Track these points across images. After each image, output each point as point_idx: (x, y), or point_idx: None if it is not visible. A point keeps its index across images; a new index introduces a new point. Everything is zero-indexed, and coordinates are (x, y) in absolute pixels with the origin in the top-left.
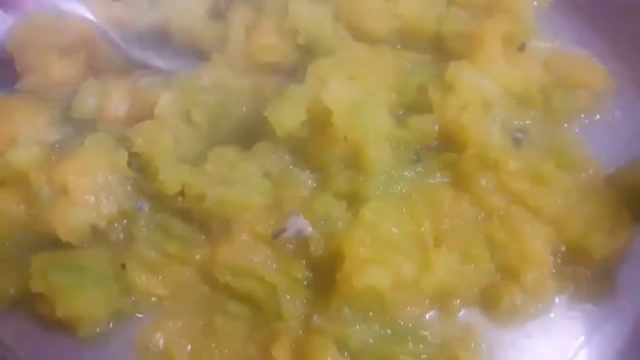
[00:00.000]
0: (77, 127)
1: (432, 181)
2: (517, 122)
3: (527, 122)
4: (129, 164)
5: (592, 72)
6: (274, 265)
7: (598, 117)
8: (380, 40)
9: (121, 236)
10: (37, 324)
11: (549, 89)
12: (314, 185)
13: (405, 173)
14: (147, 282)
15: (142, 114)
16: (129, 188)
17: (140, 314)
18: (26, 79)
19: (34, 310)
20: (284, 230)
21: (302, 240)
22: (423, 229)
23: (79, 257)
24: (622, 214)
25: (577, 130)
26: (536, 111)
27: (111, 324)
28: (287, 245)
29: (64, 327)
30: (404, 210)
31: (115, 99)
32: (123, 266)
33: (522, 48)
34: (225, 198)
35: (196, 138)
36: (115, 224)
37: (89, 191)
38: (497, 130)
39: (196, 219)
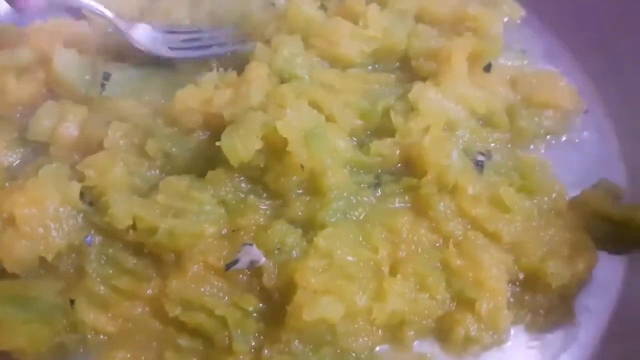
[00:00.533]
0: (34, 149)
1: (391, 206)
2: (480, 145)
3: (491, 144)
4: (81, 195)
5: (561, 91)
6: (226, 298)
7: (565, 137)
8: (352, 65)
9: (71, 269)
10: None
11: (515, 109)
12: (270, 212)
13: (364, 198)
14: (96, 319)
15: (92, 142)
16: (79, 221)
17: (86, 349)
18: None
19: None
20: (236, 261)
21: (255, 271)
22: (379, 256)
23: (25, 288)
24: (584, 241)
25: (543, 151)
26: (501, 132)
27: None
28: (240, 276)
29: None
30: (361, 237)
31: (68, 124)
32: (72, 302)
33: (487, 69)
34: (176, 230)
35: (149, 168)
36: (65, 257)
37: (38, 223)
38: (458, 154)
39: (148, 252)
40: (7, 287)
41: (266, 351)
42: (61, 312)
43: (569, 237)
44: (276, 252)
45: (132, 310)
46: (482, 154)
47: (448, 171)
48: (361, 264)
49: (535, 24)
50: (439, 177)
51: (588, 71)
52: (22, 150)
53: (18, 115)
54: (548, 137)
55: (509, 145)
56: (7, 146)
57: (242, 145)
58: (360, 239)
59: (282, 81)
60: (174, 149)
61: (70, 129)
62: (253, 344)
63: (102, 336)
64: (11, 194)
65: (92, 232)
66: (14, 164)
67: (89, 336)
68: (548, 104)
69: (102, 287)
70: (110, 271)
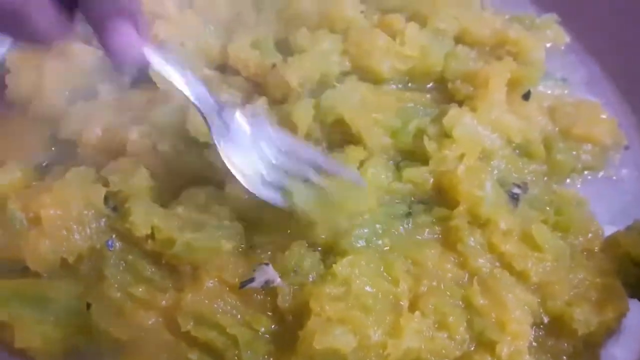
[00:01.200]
0: (63, 150)
1: (419, 237)
2: (515, 176)
3: (528, 177)
4: (105, 200)
5: (601, 125)
6: (239, 316)
7: (602, 173)
8: (382, 80)
9: (90, 273)
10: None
11: (553, 140)
12: (290, 232)
13: (392, 229)
14: (110, 325)
15: (117, 145)
16: (102, 224)
17: (98, 354)
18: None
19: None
20: (251, 280)
21: (269, 291)
22: (399, 289)
23: (44, 288)
24: (615, 287)
25: (579, 186)
26: (538, 164)
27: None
28: (255, 295)
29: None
30: (382, 267)
31: (93, 128)
32: (88, 306)
33: (527, 96)
34: (194, 243)
35: (171, 176)
36: (85, 260)
37: (62, 224)
38: (492, 185)
39: (166, 262)
40: (26, 286)
41: None
42: (76, 316)
43: (599, 281)
44: (292, 274)
45: (145, 320)
46: (518, 186)
47: (481, 203)
48: (380, 295)
49: (578, 50)
50: (471, 209)
51: (631, 103)
52: (52, 150)
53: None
54: (585, 172)
55: (545, 179)
56: (40, 146)
57: None
58: (382, 269)
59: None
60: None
61: (95, 132)
62: None
63: (113, 343)
64: (38, 194)
65: (114, 236)
66: (43, 164)
67: (102, 342)
68: (587, 137)
69: (118, 294)
70: (128, 278)
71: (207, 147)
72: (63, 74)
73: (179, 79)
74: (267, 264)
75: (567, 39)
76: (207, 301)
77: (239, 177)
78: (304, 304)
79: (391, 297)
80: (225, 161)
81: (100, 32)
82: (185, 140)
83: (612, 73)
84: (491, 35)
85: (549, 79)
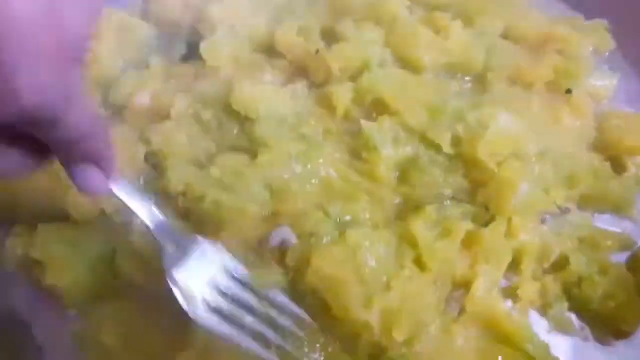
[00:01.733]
0: (112, 114)
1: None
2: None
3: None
4: (145, 159)
5: None
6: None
7: None
8: (424, 70)
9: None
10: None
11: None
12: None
13: None
14: (132, 269)
15: (162, 111)
16: (140, 182)
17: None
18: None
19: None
20: (268, 238)
21: (283, 250)
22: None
23: (80, 233)
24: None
25: None
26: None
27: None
28: (270, 255)
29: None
30: (395, 251)
31: (143, 92)
32: (114, 251)
33: (569, 92)
34: (222, 203)
35: (208, 141)
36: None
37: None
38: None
39: (193, 219)
40: (63, 229)
41: None
42: (106, 264)
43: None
44: (309, 237)
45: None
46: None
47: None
48: (379, 273)
49: (620, 62)
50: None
51: None
52: (102, 112)
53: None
54: None
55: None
56: None
57: None
58: (393, 252)
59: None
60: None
61: (144, 97)
62: None
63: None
64: None
65: (148, 192)
66: None
67: (124, 291)
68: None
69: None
70: None
71: (247, 120)
72: (119, 44)
73: (140, 209)
74: (285, 225)
75: (612, 45)
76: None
77: (181, 300)
78: (307, 260)
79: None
80: (172, 285)
81: (70, 174)
82: (227, 112)
83: None
84: (537, 33)
85: (596, 71)
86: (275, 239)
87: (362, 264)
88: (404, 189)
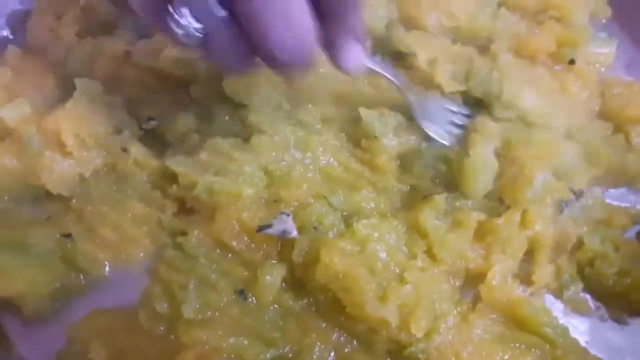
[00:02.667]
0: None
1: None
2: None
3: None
4: None
5: None
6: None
7: None
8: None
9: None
10: None
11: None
12: (317, 190)
13: None
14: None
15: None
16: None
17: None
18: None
19: None
20: (269, 226)
21: (285, 241)
22: (411, 264)
23: (22, 234)
24: None
25: None
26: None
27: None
28: (264, 245)
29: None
30: (404, 241)
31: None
32: (68, 236)
33: (572, 62)
34: (214, 186)
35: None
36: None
37: (81, 140)
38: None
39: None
40: (4, 234)
41: None
42: (59, 256)
43: None
44: (312, 230)
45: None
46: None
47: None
48: (391, 265)
49: (617, 32)
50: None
51: None
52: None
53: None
54: None
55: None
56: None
57: None
58: (403, 243)
59: None
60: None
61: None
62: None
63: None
64: (51, 114)
65: None
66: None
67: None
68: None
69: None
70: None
71: (241, 107)
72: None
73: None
74: (287, 215)
75: (609, 12)
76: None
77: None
78: (315, 254)
79: (399, 269)
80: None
81: (336, 53)
82: (220, 98)
83: None
84: (535, 0)
85: (595, 39)
86: (277, 228)
87: (372, 257)
88: (407, 178)
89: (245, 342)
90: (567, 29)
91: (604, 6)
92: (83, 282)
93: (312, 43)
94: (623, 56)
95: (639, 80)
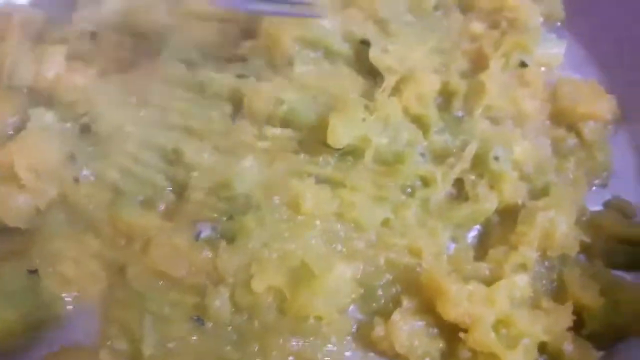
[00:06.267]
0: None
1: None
2: None
3: None
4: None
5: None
6: None
7: None
8: None
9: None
10: None
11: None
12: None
13: None
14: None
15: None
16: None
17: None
18: None
19: None
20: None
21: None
22: None
23: None
24: None
25: None
26: None
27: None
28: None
29: None
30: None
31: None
32: (35, 272)
33: (523, 65)
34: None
35: None
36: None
37: (34, 172)
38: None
39: None
40: None
41: None
42: (27, 291)
43: None
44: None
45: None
46: None
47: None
48: None
49: (566, 35)
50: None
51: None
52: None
53: None
54: None
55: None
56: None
57: None
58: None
59: None
60: None
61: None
62: None
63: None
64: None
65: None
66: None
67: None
68: (590, 115)
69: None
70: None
71: None
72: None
73: None
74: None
75: (563, 14)
76: None
77: None
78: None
79: None
80: None
81: None
82: None
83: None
84: (490, 1)
85: (545, 40)
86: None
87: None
88: None
89: None
90: (519, 31)
91: (558, 9)
92: (49, 318)
93: None
94: (571, 57)
95: (588, 79)
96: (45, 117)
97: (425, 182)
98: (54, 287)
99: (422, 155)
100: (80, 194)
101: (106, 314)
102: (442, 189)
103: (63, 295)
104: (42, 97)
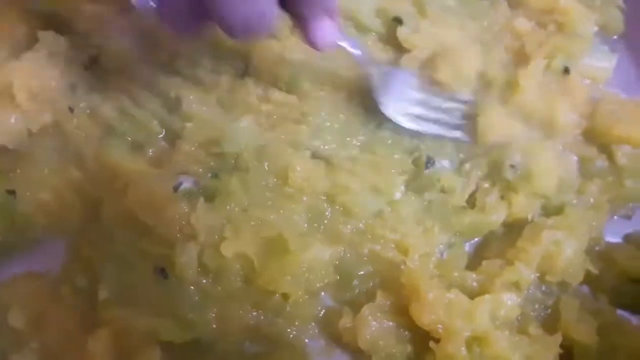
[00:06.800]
0: None
1: None
2: None
3: None
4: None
5: None
6: None
7: None
8: None
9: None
10: None
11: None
12: None
13: None
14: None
15: None
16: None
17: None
18: None
19: None
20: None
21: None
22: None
23: None
24: None
25: None
26: None
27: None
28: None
29: None
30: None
31: None
32: (12, 192)
33: (566, 71)
34: None
35: None
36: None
37: (32, 94)
38: None
39: None
40: None
41: None
42: (1, 209)
43: None
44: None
45: None
46: None
47: None
48: None
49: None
50: None
51: None
52: None
53: None
54: None
55: None
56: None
57: None
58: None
59: None
60: None
61: None
62: None
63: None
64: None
65: None
66: None
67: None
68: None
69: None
70: None
71: None
72: None
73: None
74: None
75: (622, 28)
76: None
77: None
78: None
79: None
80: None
81: (307, 28)
82: None
83: None
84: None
85: (595, 51)
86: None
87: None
88: None
89: (162, 322)
90: (567, 37)
91: (617, 21)
92: (19, 241)
93: (267, 12)
94: (621, 75)
95: (634, 99)
96: (55, 42)
97: (442, 188)
98: (29, 211)
99: None
100: (73, 124)
101: (74, 249)
102: (460, 200)
103: (36, 221)
104: (57, 22)
